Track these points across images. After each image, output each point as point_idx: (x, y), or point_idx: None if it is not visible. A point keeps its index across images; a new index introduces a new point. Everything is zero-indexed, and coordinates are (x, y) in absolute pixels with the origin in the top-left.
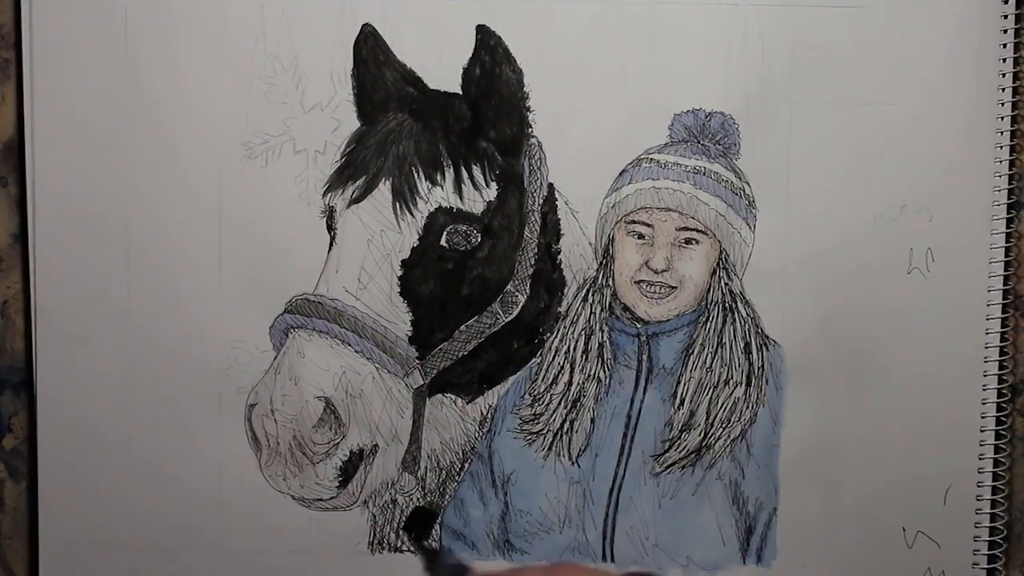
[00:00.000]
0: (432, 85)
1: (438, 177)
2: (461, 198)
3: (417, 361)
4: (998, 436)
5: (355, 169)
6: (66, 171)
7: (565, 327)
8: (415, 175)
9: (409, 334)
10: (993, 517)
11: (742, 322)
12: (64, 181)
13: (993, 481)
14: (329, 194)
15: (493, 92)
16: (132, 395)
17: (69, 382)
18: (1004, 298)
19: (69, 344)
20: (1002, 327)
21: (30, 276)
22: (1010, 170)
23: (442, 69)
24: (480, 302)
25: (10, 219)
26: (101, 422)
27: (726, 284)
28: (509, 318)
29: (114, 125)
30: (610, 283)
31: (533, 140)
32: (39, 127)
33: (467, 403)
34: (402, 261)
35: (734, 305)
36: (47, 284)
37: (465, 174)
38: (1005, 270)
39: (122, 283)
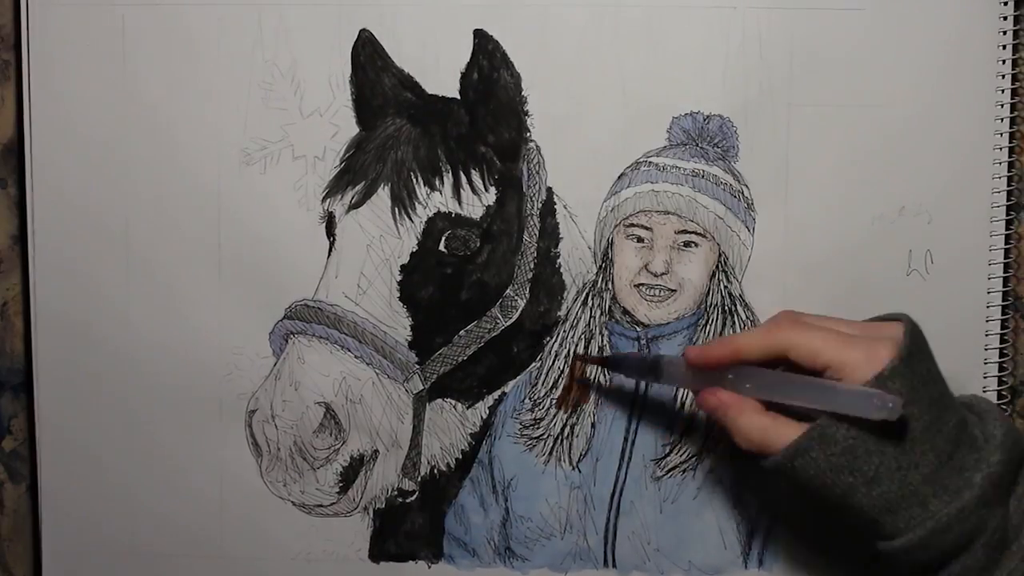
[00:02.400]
0: (430, 90)
1: (437, 182)
2: (460, 203)
3: (417, 366)
4: None
5: (354, 175)
6: (66, 173)
7: (565, 331)
8: (414, 180)
9: (409, 339)
10: None
11: (741, 324)
12: (64, 183)
13: None
14: (328, 200)
15: (491, 97)
16: (132, 400)
17: (69, 384)
18: (1004, 300)
19: (69, 346)
20: (1002, 329)
21: (30, 277)
22: (1009, 171)
23: (440, 74)
24: (479, 307)
25: (10, 220)
26: (101, 425)
27: (725, 287)
28: (509, 323)
29: (113, 129)
30: (609, 287)
31: (531, 144)
32: (39, 128)
33: (467, 408)
34: (401, 266)
35: (733, 308)
36: (47, 285)
37: (464, 179)
38: (1005, 272)
39: (122, 288)
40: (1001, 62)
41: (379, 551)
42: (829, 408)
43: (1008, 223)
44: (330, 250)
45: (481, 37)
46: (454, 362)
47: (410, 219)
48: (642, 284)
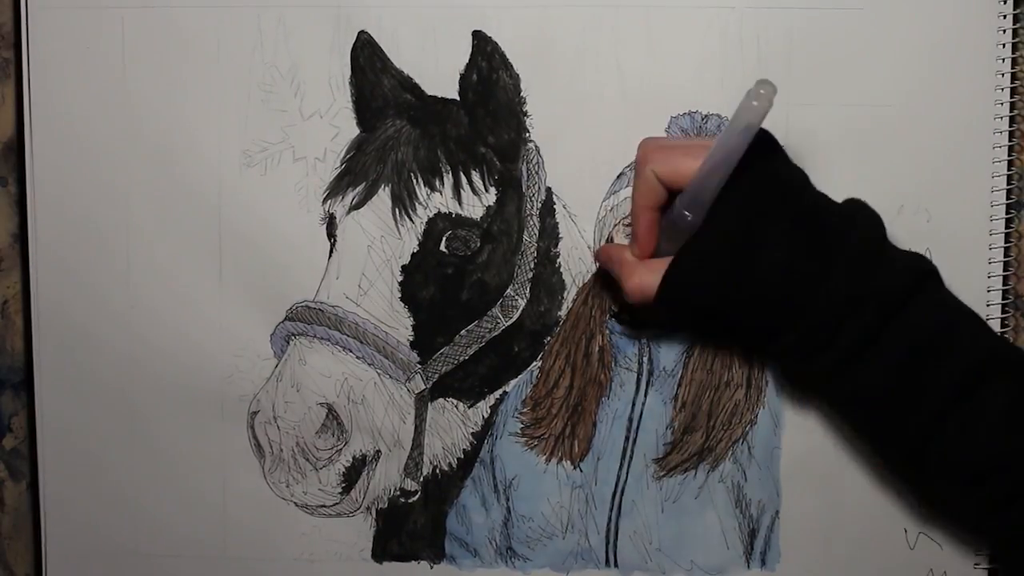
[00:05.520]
0: (430, 91)
1: (437, 183)
2: (460, 204)
3: (419, 366)
4: None
5: (355, 176)
6: (66, 172)
7: (565, 331)
8: (414, 181)
9: (410, 339)
10: None
11: None
12: (64, 182)
13: None
14: (329, 201)
15: (490, 98)
16: (133, 400)
17: (70, 383)
18: (1004, 298)
19: (70, 344)
20: (1002, 327)
21: (30, 276)
22: (1008, 170)
23: (439, 75)
24: (480, 307)
25: (10, 219)
26: (102, 424)
27: None
28: (509, 322)
29: (113, 129)
30: (610, 286)
31: (531, 145)
32: (39, 127)
33: (469, 407)
34: (402, 267)
35: None
36: (47, 284)
37: (464, 180)
38: (1004, 270)
39: (122, 287)
40: (1000, 61)
41: (382, 551)
42: (729, 142)
43: (1008, 221)
44: (331, 251)
45: (480, 39)
46: (455, 362)
47: (411, 220)
48: None
